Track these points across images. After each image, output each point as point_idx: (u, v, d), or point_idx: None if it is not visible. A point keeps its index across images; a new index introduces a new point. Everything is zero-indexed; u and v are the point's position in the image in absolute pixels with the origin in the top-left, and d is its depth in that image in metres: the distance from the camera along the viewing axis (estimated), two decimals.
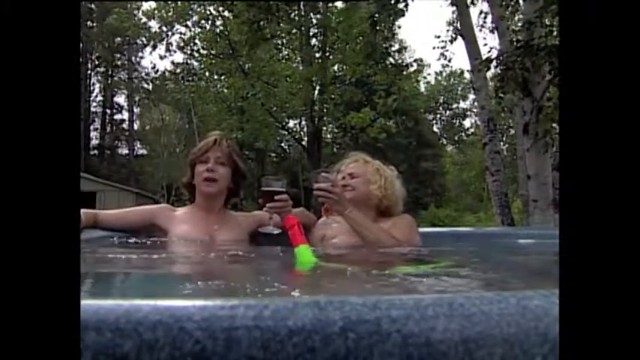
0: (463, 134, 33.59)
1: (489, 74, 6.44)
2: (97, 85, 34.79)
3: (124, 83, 34.36)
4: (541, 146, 5.33)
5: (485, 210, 21.60)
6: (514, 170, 12.53)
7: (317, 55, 16.81)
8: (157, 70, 27.05)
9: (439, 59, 9.02)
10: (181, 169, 2.05)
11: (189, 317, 0.40)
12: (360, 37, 12.86)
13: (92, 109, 33.63)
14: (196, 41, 16.56)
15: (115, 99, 35.08)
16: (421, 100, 24.01)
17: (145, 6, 17.96)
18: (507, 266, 1.46)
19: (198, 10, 15.43)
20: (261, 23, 8.70)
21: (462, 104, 33.04)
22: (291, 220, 1.58)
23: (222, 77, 17.49)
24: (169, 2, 15.66)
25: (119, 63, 34.33)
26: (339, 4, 14.72)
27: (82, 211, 1.70)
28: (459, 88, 32.18)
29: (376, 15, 7.65)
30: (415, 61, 18.56)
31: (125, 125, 35.07)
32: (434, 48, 8.95)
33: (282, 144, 25.21)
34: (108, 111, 34.94)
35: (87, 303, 0.42)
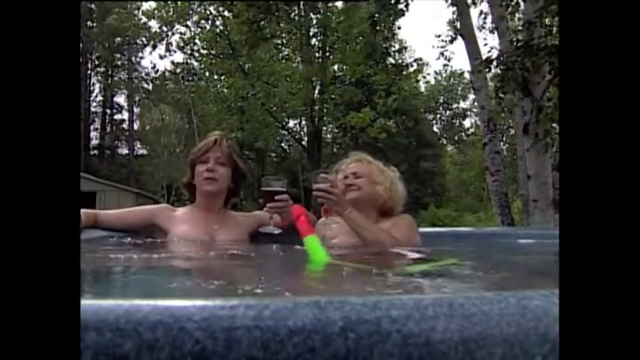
0: (463, 134, 33.60)
1: (489, 74, 6.44)
2: (97, 85, 34.83)
3: (124, 83, 34.37)
4: (541, 146, 5.33)
5: (485, 210, 21.60)
6: (514, 170, 12.53)
7: (317, 55, 16.81)
8: (157, 70, 27.06)
9: (438, 58, 9.02)
10: (181, 169, 2.05)
11: (190, 317, 0.40)
12: (360, 37, 12.86)
13: (92, 109, 33.65)
14: (196, 41, 16.56)
15: (115, 99, 35.13)
16: (421, 100, 23.98)
17: (145, 6, 17.95)
18: (507, 266, 1.46)
19: (198, 10, 15.42)
20: (261, 23, 8.70)
21: (462, 104, 33.06)
22: (298, 210, 1.56)
23: (222, 77, 17.49)
24: (169, 2, 15.66)
25: (119, 63, 34.34)
26: (339, 4, 14.73)
27: (82, 211, 1.70)
28: (459, 88, 32.18)
29: (376, 15, 7.65)
30: (415, 60, 18.56)
31: (125, 125, 35.10)
32: (433, 47, 8.96)
33: (282, 144, 25.21)
34: (108, 111, 34.97)
35: (87, 303, 0.42)
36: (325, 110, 17.05)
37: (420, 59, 17.85)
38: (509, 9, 6.42)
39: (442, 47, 8.94)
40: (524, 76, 5.21)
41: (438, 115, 34.34)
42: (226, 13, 14.43)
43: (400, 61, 18.90)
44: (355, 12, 12.63)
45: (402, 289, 0.92)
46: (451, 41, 8.77)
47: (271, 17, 8.80)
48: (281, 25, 12.95)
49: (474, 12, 8.38)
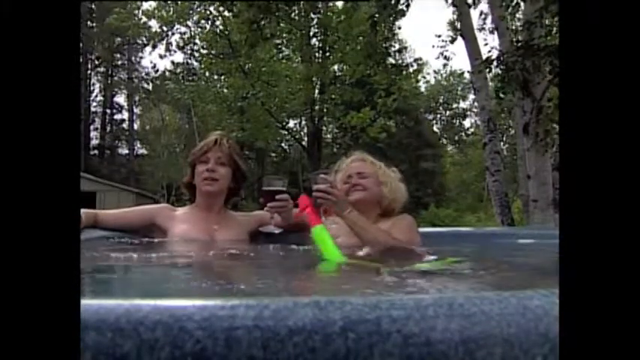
0: (463, 134, 33.63)
1: (489, 74, 6.44)
2: (97, 85, 34.85)
3: (124, 83, 34.38)
4: (541, 146, 5.33)
5: (485, 210, 21.60)
6: (514, 170, 12.53)
7: (317, 54, 16.80)
8: (157, 70, 27.08)
9: (438, 58, 9.01)
10: (181, 169, 2.05)
11: (190, 317, 0.40)
12: (360, 37, 12.85)
13: (92, 109, 33.66)
14: (196, 41, 16.56)
15: (115, 99, 35.16)
16: (421, 100, 23.99)
17: (145, 6, 17.94)
18: (507, 266, 1.46)
19: (199, 10, 15.42)
20: (261, 23, 8.70)
21: (462, 104, 33.09)
22: (305, 200, 1.54)
23: (222, 77, 17.48)
24: (169, 2, 15.65)
25: (119, 63, 34.35)
26: (339, 4, 14.73)
27: (82, 211, 1.70)
28: (459, 88, 32.22)
29: (376, 15, 7.64)
30: (415, 60, 18.57)
31: (125, 125, 35.12)
32: (434, 47, 8.94)
33: (282, 144, 25.22)
34: (108, 111, 34.98)
35: (87, 303, 0.42)
36: (325, 110, 17.04)
37: (420, 59, 17.87)
38: (510, 9, 6.43)
39: (442, 47, 8.95)
40: (524, 76, 5.21)
41: (438, 115, 34.38)
42: (226, 13, 14.43)
43: (400, 61, 18.91)
44: (355, 12, 12.62)
45: (411, 287, 0.92)
46: (451, 41, 8.76)
47: (271, 17, 8.81)
48: (281, 24, 12.95)
49: (474, 13, 8.38)
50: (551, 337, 0.42)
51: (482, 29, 9.10)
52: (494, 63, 5.60)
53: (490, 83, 6.97)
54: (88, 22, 30.10)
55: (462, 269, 1.12)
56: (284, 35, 15.79)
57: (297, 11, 13.91)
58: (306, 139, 18.26)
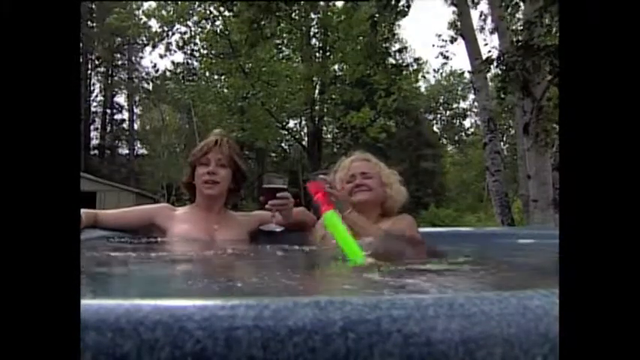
0: (463, 134, 33.63)
1: (490, 74, 6.44)
2: (97, 85, 34.85)
3: (124, 83, 34.39)
4: (541, 146, 5.33)
5: (485, 210, 21.60)
6: (514, 170, 12.53)
7: (317, 54, 16.79)
8: (157, 70, 27.08)
9: (437, 57, 9.01)
10: (181, 169, 2.05)
11: (190, 317, 0.40)
12: (360, 37, 12.85)
13: (92, 109, 33.66)
14: (196, 41, 16.56)
15: (115, 99, 35.16)
16: (421, 100, 24.00)
17: (145, 5, 17.94)
18: (507, 266, 1.46)
19: (199, 9, 15.41)
20: (262, 23, 8.70)
21: (462, 104, 33.11)
22: (316, 185, 1.52)
23: (222, 77, 17.47)
24: (169, 2, 15.64)
25: (119, 63, 34.36)
26: (340, 4, 14.73)
27: (82, 211, 1.69)
28: (459, 88, 32.22)
29: (376, 15, 7.65)
30: (415, 60, 18.57)
31: (125, 125, 35.12)
32: (434, 46, 8.95)
33: (283, 144, 25.21)
34: (108, 111, 34.98)
35: (87, 303, 0.42)
36: (325, 110, 17.04)
37: (419, 58, 17.86)
38: (509, 10, 6.43)
39: (442, 47, 8.96)
40: (524, 76, 5.21)
41: (438, 115, 34.38)
42: (226, 13, 14.43)
43: (400, 61, 18.91)
44: (355, 12, 12.62)
45: (412, 287, 0.92)
46: (451, 41, 8.77)
47: (271, 17, 8.80)
48: (281, 24, 12.94)
49: (474, 13, 8.38)
50: (551, 337, 0.42)
51: (482, 29, 9.11)
52: (495, 63, 5.60)
53: (490, 83, 6.97)
54: (88, 22, 30.10)
55: (456, 271, 1.12)
56: (284, 35, 15.78)
57: (297, 11, 13.90)
58: (306, 139, 18.26)
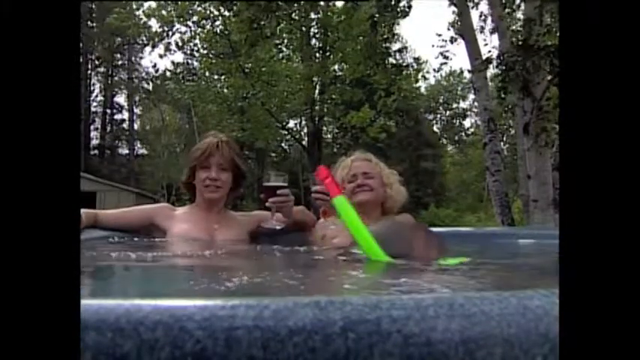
0: (463, 134, 33.64)
1: (489, 74, 6.45)
2: (97, 85, 34.86)
3: (124, 83, 34.39)
4: (541, 146, 5.33)
5: (485, 210, 21.61)
6: (514, 170, 12.52)
7: (317, 54, 16.79)
8: (157, 70, 27.08)
9: (437, 57, 9.01)
10: (181, 169, 2.04)
11: (190, 317, 0.40)
12: (360, 37, 12.85)
13: (92, 109, 33.67)
14: (196, 41, 16.55)
15: (115, 99, 35.17)
16: (421, 100, 24.01)
17: (145, 5, 17.94)
18: (507, 266, 1.45)
19: (199, 9, 15.41)
20: (261, 22, 8.70)
21: (462, 104, 33.12)
22: (324, 171, 1.49)
23: (222, 77, 17.47)
24: (169, 2, 15.64)
25: (119, 63, 34.37)
26: (340, 4, 14.72)
27: (82, 211, 1.69)
28: (459, 88, 32.24)
29: (376, 15, 7.65)
30: (415, 60, 18.56)
31: (125, 125, 35.14)
32: (434, 46, 8.94)
33: (283, 144, 25.23)
34: (108, 111, 34.99)
35: (87, 303, 0.42)
36: (325, 110, 17.04)
37: (419, 58, 17.86)
38: (507, 9, 6.43)
39: (442, 47, 8.95)
40: (524, 76, 5.21)
41: (438, 115, 34.39)
42: (226, 13, 14.43)
43: (401, 60, 18.90)
44: (355, 12, 12.62)
45: (411, 286, 0.92)
46: (451, 41, 8.76)
47: (271, 16, 8.80)
48: (281, 24, 12.94)
49: (474, 13, 8.37)
50: (551, 337, 0.42)
51: (482, 30, 9.10)
52: (494, 63, 5.60)
53: (490, 83, 6.97)
54: (88, 22, 30.10)
55: (455, 271, 1.12)
56: (284, 35, 15.77)
57: (297, 11, 13.90)
58: (306, 139, 18.26)
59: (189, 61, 20.46)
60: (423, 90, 28.41)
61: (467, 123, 33.64)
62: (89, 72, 32.90)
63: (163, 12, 15.89)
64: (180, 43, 16.49)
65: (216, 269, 1.34)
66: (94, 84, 34.26)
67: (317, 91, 16.64)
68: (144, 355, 0.38)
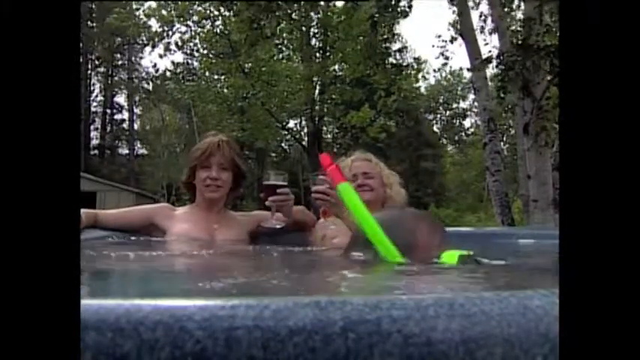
0: (463, 134, 33.64)
1: (489, 74, 6.45)
2: (97, 85, 34.86)
3: (124, 83, 34.39)
4: (541, 146, 5.34)
5: (485, 210, 21.61)
6: (514, 170, 12.52)
7: (317, 54, 16.79)
8: (157, 70, 27.09)
9: (438, 57, 9.01)
10: (181, 169, 2.04)
11: (190, 317, 0.40)
12: (360, 37, 12.85)
13: (92, 109, 33.67)
14: (196, 41, 16.55)
15: (115, 99, 35.17)
16: (421, 100, 24.02)
17: (145, 5, 17.94)
18: (507, 266, 1.45)
19: (199, 9, 15.41)
20: (261, 22, 8.70)
21: (462, 104, 33.12)
22: (328, 158, 1.45)
23: (222, 77, 17.47)
24: (169, 2, 15.64)
25: (119, 63, 34.37)
26: (340, 4, 14.73)
27: (82, 211, 1.70)
28: (459, 88, 32.24)
29: (376, 15, 7.65)
30: (415, 60, 18.55)
31: (125, 125, 35.14)
32: (434, 47, 8.94)
33: (283, 144, 25.23)
34: (108, 111, 34.99)
35: (87, 303, 0.42)
36: (325, 110, 17.04)
37: (419, 58, 17.85)
38: (507, 9, 6.43)
39: (442, 47, 8.95)
40: (524, 76, 5.22)
41: (438, 115, 34.40)
42: (226, 13, 14.43)
43: (401, 60, 18.90)
44: (355, 12, 12.62)
45: (411, 286, 0.92)
46: (451, 41, 8.76)
47: (271, 16, 8.80)
48: (281, 24, 12.93)
49: (474, 14, 8.37)
50: (551, 337, 0.42)
51: (482, 30, 9.10)
52: (494, 62, 5.60)
53: (490, 83, 6.97)
54: (88, 22, 30.10)
55: (456, 271, 1.10)
56: (284, 35, 15.78)
57: (297, 11, 13.90)
58: (306, 139, 18.26)
59: (189, 61, 20.48)
60: (423, 90, 28.42)
61: (467, 123, 33.67)
62: (89, 72, 32.90)
63: (163, 12, 15.90)
64: (180, 43, 16.50)
65: (216, 269, 1.34)
66: (94, 84, 34.29)
67: (317, 91, 16.64)
68: (144, 355, 0.38)
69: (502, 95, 5.98)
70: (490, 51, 6.24)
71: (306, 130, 18.73)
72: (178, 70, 21.07)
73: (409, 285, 0.96)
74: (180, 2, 15.31)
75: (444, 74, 31.82)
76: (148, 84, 30.96)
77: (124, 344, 0.38)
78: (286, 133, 19.31)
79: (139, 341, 0.38)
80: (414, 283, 0.99)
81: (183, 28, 16.10)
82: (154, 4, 16.50)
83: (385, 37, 8.75)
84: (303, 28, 15.80)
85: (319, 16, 15.54)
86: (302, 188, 18.27)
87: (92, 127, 33.58)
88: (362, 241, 1.14)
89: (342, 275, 1.15)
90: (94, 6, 29.81)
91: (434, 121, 33.90)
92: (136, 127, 33.25)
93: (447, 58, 8.74)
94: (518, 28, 6.30)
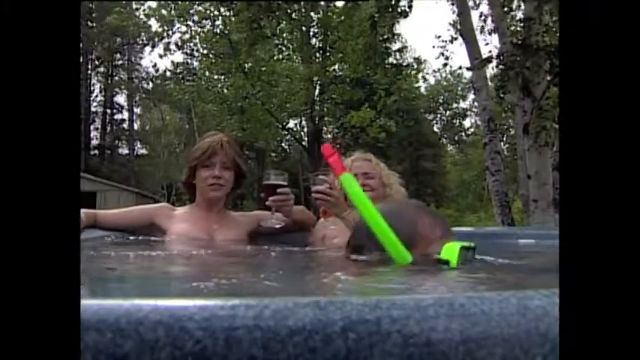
0: (463, 134, 33.64)
1: (489, 74, 6.46)
2: (97, 85, 34.86)
3: (124, 83, 34.39)
4: (541, 146, 5.34)
5: (485, 210, 21.60)
6: (514, 170, 12.52)
7: (317, 54, 16.79)
8: (157, 70, 27.10)
9: (438, 58, 9.02)
10: (181, 169, 2.04)
11: (190, 317, 0.40)
12: (360, 37, 12.86)
13: (92, 109, 33.66)
14: (196, 41, 16.55)
15: (115, 99, 35.16)
16: (421, 100, 24.02)
17: (145, 5, 17.93)
18: (507, 266, 1.45)
19: (199, 9, 15.41)
20: (261, 22, 8.71)
21: (462, 104, 33.13)
22: (329, 148, 1.45)
23: (222, 77, 17.47)
24: (169, 2, 15.64)
25: (119, 63, 34.37)
26: (340, 4, 14.73)
27: (82, 211, 1.70)
28: (459, 88, 32.24)
29: (376, 15, 7.65)
30: (415, 59, 18.55)
31: (125, 125, 35.13)
32: (434, 47, 8.94)
33: (283, 144, 25.23)
34: (108, 111, 34.98)
35: (87, 303, 0.42)
36: (325, 110, 17.04)
37: (419, 58, 17.86)
38: (507, 9, 6.43)
39: (442, 47, 8.95)
40: (524, 76, 5.22)
41: (438, 115, 34.39)
42: (226, 13, 14.43)
43: (401, 60, 18.89)
44: (355, 12, 12.63)
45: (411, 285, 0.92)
46: (451, 41, 8.76)
47: (271, 16, 8.81)
48: (281, 24, 12.94)
49: (474, 14, 8.37)
50: (551, 337, 0.42)
51: (482, 30, 9.10)
52: (494, 62, 5.60)
53: (490, 83, 6.98)
54: (88, 22, 30.09)
55: (456, 271, 1.09)
56: (284, 35, 15.78)
57: (297, 11, 13.91)
58: (306, 138, 18.26)
59: (189, 61, 20.49)
60: (423, 90, 28.45)
61: (467, 123, 33.67)
62: (89, 72, 32.89)
63: (163, 12, 15.90)
64: (180, 43, 16.50)
65: (216, 269, 1.34)
66: (94, 84, 34.27)
67: (317, 91, 16.64)
68: (144, 355, 0.38)
69: (501, 95, 5.99)
70: (490, 51, 6.24)
71: (306, 129, 18.73)
72: (178, 70, 21.09)
73: (409, 285, 0.96)
74: (180, 2, 15.31)
75: (444, 74, 31.84)
76: (148, 84, 31.00)
77: (124, 344, 0.38)
78: (286, 133, 19.30)
79: (139, 341, 0.38)
80: (414, 283, 0.99)
81: (184, 28, 16.10)
82: (153, 4, 16.51)
83: (385, 37, 8.74)
84: (303, 28, 15.80)
85: (319, 16, 15.55)
86: (302, 188, 18.27)
87: (92, 127, 33.58)
88: (364, 232, 1.13)
89: (342, 275, 1.15)
90: (93, 6, 29.80)
91: (434, 121, 33.89)
92: (136, 127, 33.28)
93: (446, 58, 8.73)
94: (518, 28, 6.30)
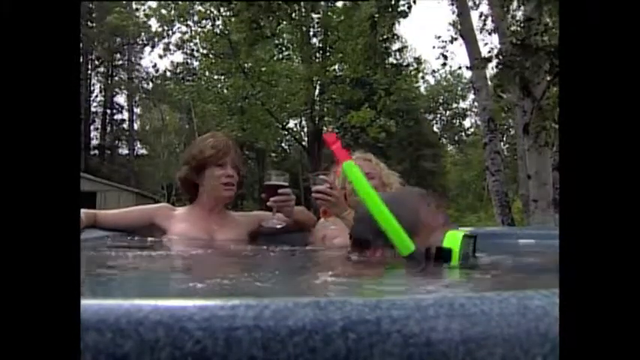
0: (463, 134, 33.64)
1: (489, 74, 6.45)
2: (97, 85, 34.86)
3: (124, 83, 34.39)
4: (541, 146, 5.34)
5: (485, 210, 21.61)
6: (514, 170, 12.52)
7: (317, 54, 16.80)
8: (157, 70, 27.12)
9: (438, 58, 9.01)
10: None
11: (190, 317, 0.40)
12: (360, 37, 12.86)
13: (92, 109, 33.66)
14: (196, 41, 16.55)
15: (115, 99, 35.17)
16: (421, 100, 24.02)
17: (145, 5, 17.93)
18: (507, 266, 1.45)
19: (199, 9, 15.41)
20: (261, 22, 8.71)
21: (462, 104, 33.13)
22: (331, 136, 1.39)
23: (222, 77, 17.47)
24: (169, 2, 15.65)
25: (119, 63, 34.37)
26: (340, 4, 14.73)
27: (82, 211, 1.69)
28: (459, 88, 32.24)
29: (376, 15, 7.65)
30: (415, 59, 18.55)
31: (125, 125, 35.14)
32: (434, 47, 8.94)
33: (283, 144, 25.24)
34: (108, 111, 34.98)
35: (87, 303, 0.42)
36: (325, 110, 17.04)
37: (419, 58, 17.86)
38: (507, 8, 6.43)
39: (442, 47, 8.94)
40: (524, 76, 5.22)
41: (438, 115, 34.39)
42: (226, 13, 14.43)
43: (401, 60, 18.89)
44: (355, 12, 12.63)
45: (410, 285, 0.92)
46: (451, 41, 8.75)
47: (271, 16, 8.81)
48: (281, 24, 12.94)
49: (474, 14, 8.37)
50: (551, 337, 0.42)
51: (482, 30, 9.09)
52: (494, 62, 5.60)
53: (490, 83, 6.98)
54: (88, 22, 30.09)
55: (456, 271, 1.09)
56: (284, 35, 15.78)
57: (297, 11, 13.90)
58: (306, 139, 18.26)
59: (189, 61, 20.50)
60: (422, 90, 28.46)
61: (467, 123, 33.67)
62: (89, 72, 32.89)
63: (163, 12, 15.90)
64: (180, 43, 16.50)
65: (216, 269, 1.34)
66: (94, 84, 34.27)
67: (317, 91, 16.64)
68: (144, 355, 0.38)
69: (500, 94, 5.99)
70: (490, 51, 6.23)
71: (306, 129, 18.73)
72: (178, 70, 21.09)
73: (409, 285, 0.96)
74: (180, 2, 15.31)
75: (444, 74, 31.82)
76: (148, 84, 31.01)
77: (124, 344, 0.38)
78: (286, 133, 19.30)
79: (139, 341, 0.38)
80: (413, 283, 0.99)
81: (184, 28, 16.12)
82: (153, 4, 16.53)
83: (385, 37, 8.74)
84: (303, 28, 15.79)
85: (319, 16, 15.54)
86: (302, 188, 18.27)
87: (92, 127, 33.58)
88: (366, 221, 1.13)
89: (342, 275, 1.15)
90: (93, 6, 29.79)
91: (434, 121, 33.89)
92: (136, 127, 33.29)
93: (446, 58, 8.73)
94: (518, 28, 6.30)
